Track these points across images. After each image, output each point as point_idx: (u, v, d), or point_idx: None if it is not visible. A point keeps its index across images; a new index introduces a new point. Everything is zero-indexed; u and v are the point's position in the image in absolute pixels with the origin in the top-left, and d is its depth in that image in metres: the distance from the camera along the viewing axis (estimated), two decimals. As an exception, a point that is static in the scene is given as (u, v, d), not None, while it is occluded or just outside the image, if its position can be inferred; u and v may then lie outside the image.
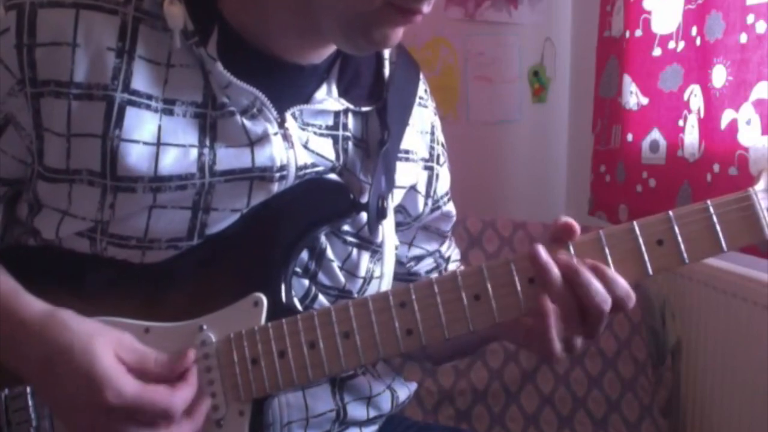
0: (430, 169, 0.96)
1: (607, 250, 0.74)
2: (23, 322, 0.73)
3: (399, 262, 0.98)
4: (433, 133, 0.97)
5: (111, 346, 0.72)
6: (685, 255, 0.74)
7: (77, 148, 0.77)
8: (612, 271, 0.73)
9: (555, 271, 0.72)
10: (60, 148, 0.77)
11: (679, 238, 0.73)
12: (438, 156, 0.97)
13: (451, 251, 1.07)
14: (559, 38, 2.26)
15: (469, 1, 2.18)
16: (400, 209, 0.94)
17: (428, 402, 1.66)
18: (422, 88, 0.97)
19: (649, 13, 1.71)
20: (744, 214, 0.73)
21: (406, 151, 0.92)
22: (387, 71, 0.89)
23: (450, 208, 1.01)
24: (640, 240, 0.74)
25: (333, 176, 0.84)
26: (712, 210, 0.73)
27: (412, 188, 0.94)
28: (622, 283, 0.73)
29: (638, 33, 1.74)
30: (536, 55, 2.25)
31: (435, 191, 0.97)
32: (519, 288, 0.74)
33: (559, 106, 2.28)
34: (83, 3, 0.77)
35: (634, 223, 0.74)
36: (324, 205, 0.82)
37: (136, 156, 0.76)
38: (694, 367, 1.68)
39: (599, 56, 1.96)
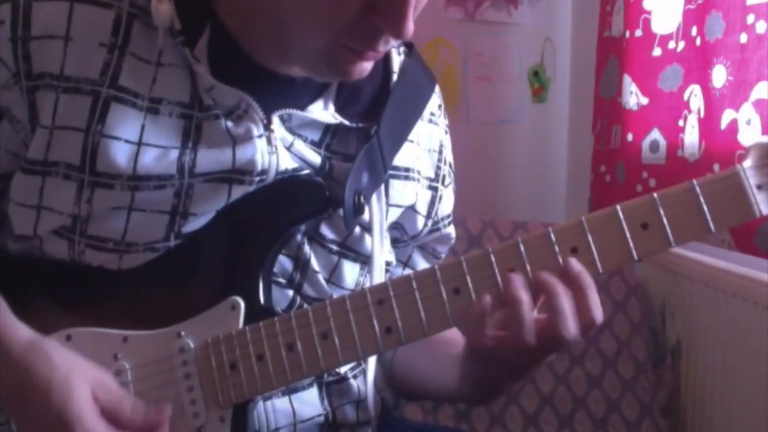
0: (434, 189, 0.92)
1: (589, 236, 0.71)
2: (4, 344, 0.71)
3: None
4: (441, 152, 0.93)
5: (89, 385, 0.70)
6: (671, 237, 0.71)
7: (58, 141, 0.76)
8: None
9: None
10: (42, 140, 0.76)
11: (665, 221, 0.70)
12: (443, 177, 0.94)
13: None
14: (559, 38, 2.25)
15: (469, 1, 2.18)
16: (396, 226, 0.91)
17: (428, 402, 1.65)
18: (435, 103, 0.93)
19: (649, 13, 1.71)
20: (732, 192, 0.70)
21: (406, 169, 0.88)
22: (392, 84, 0.85)
23: (450, 231, 0.98)
24: (624, 224, 0.71)
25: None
26: (698, 190, 0.70)
27: (412, 208, 0.90)
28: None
29: (638, 33, 1.74)
30: (536, 55, 2.25)
31: (436, 213, 0.93)
32: (499, 279, 0.72)
33: (559, 106, 2.27)
34: None
35: (617, 206, 0.72)
36: (298, 202, 0.79)
37: (116, 153, 0.75)
38: (694, 367, 1.68)
39: (599, 56, 1.96)
